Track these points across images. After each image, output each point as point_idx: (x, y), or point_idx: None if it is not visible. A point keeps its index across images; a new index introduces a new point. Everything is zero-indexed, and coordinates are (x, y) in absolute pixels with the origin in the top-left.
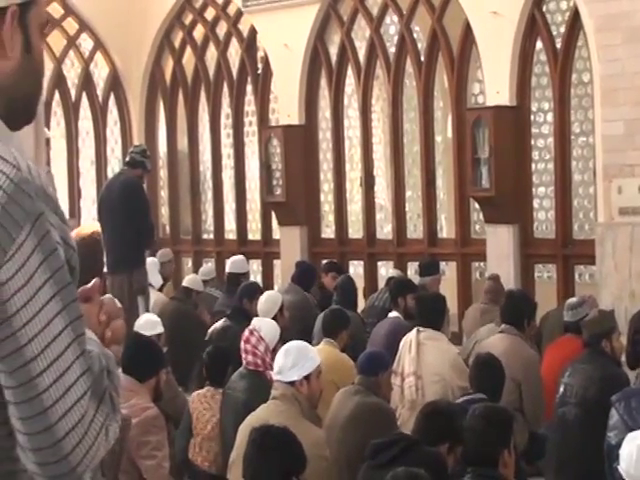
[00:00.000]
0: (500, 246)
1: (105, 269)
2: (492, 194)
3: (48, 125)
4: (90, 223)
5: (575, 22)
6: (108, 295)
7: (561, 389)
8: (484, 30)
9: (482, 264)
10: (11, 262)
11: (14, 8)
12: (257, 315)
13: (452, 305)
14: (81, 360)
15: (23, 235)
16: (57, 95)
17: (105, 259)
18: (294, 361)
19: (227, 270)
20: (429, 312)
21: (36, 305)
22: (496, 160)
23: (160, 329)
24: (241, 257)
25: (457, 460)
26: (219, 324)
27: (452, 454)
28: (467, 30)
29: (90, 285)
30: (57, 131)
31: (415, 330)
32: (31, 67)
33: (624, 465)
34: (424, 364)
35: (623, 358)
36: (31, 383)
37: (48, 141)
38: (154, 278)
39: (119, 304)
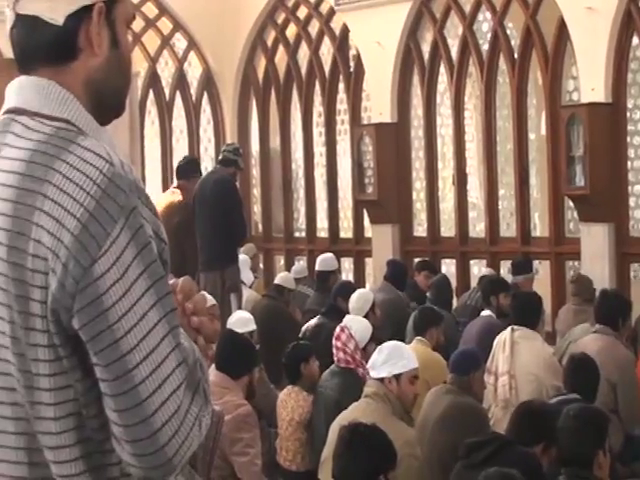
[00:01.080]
0: (595, 245)
1: (199, 267)
2: (587, 192)
3: (142, 124)
4: (171, 191)
5: None
6: (184, 277)
7: None
8: (579, 26)
9: (576, 263)
10: (106, 256)
11: (100, 5)
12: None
13: (545, 305)
14: (176, 352)
15: (117, 229)
16: (151, 94)
17: (199, 257)
18: (386, 357)
19: (316, 268)
20: (524, 311)
21: (131, 298)
22: (591, 158)
23: (252, 326)
24: (330, 255)
25: (551, 461)
26: (313, 322)
27: (546, 455)
28: (561, 26)
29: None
30: (151, 130)
31: (509, 329)
32: (119, 62)
33: None
34: (518, 363)
35: None
36: (127, 376)
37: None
38: (246, 275)
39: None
